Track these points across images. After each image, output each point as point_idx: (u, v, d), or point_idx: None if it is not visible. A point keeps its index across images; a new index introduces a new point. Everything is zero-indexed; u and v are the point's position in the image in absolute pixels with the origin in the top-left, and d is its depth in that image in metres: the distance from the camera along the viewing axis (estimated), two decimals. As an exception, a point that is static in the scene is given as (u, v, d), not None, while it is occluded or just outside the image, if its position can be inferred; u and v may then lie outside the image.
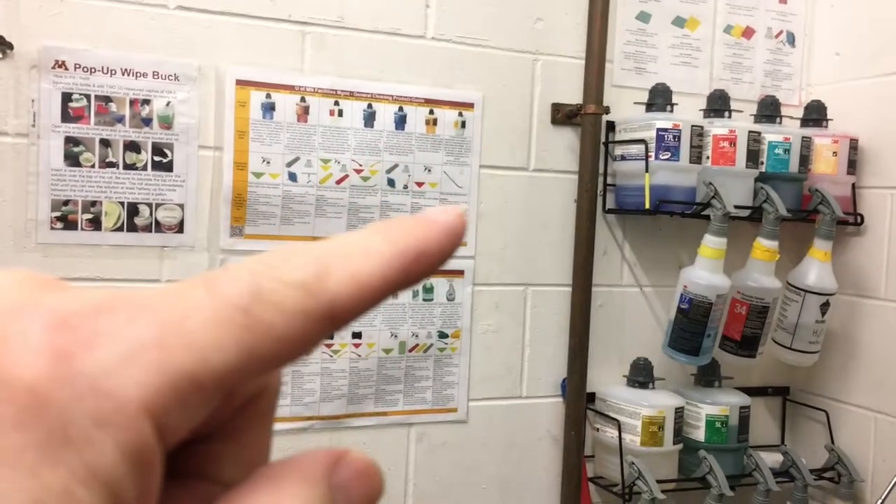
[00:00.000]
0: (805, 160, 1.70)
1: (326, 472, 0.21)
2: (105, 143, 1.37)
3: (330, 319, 0.20)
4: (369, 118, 1.52)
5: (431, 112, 1.56)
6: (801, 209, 1.72)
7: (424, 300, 1.58)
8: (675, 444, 1.63)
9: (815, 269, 1.69)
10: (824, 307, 1.69)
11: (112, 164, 1.37)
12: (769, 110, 1.71)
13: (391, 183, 1.54)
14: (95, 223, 1.37)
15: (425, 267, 0.21)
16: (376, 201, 1.53)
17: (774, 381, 1.93)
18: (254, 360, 0.20)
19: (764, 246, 1.64)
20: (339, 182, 1.50)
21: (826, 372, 1.85)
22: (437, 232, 0.22)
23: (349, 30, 1.51)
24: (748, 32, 1.83)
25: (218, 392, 0.20)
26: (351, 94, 1.51)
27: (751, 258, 1.66)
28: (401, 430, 1.60)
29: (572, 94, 1.66)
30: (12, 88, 1.31)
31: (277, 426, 1.48)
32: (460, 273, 1.61)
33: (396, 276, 0.21)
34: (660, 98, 1.63)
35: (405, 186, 1.55)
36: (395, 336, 1.57)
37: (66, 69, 1.34)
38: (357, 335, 1.54)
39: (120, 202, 1.38)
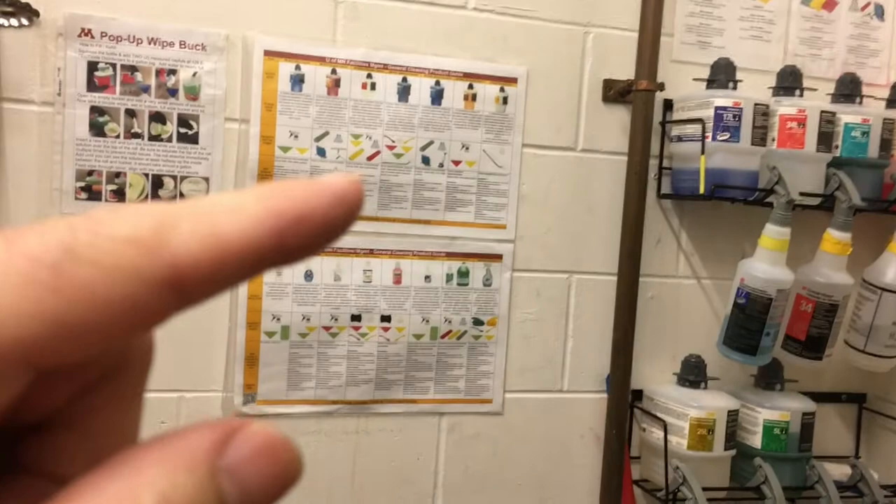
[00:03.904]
0: (887, 144, 1.54)
1: (210, 452, 0.17)
2: (130, 114, 1.35)
3: (175, 284, 0.16)
4: (404, 92, 1.45)
5: (471, 87, 1.48)
6: (882, 199, 1.56)
7: (459, 285, 1.51)
8: (726, 449, 1.51)
9: (895, 266, 1.53)
10: (903, 307, 1.53)
11: (137, 135, 1.35)
12: (847, 89, 1.55)
13: (426, 161, 1.47)
14: (119, 194, 1.35)
15: (307, 235, 0.18)
16: (409, 179, 1.47)
17: (850, 387, 1.76)
18: (67, 330, 0.16)
19: (834, 238, 1.49)
20: (370, 158, 1.44)
21: (907, 379, 1.68)
22: (325, 196, 0.18)
23: (385, -1, 1.44)
24: (829, 4, 1.67)
25: (19, 369, 0.16)
26: (385, 67, 1.44)
27: (820, 251, 1.51)
28: (431, 418, 1.53)
29: (627, 70, 1.54)
30: (38, 56, 1.31)
31: (302, 409, 1.44)
32: (498, 257, 1.53)
33: (267, 241, 0.17)
34: (721, 74, 1.50)
35: (441, 165, 1.48)
36: (427, 321, 1.50)
37: (93, 37, 1.32)
38: (386, 318, 1.48)
39: (144, 174, 1.36)
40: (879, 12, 1.70)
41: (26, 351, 0.16)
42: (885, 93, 1.64)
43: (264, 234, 0.17)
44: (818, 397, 1.66)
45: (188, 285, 0.17)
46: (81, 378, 0.19)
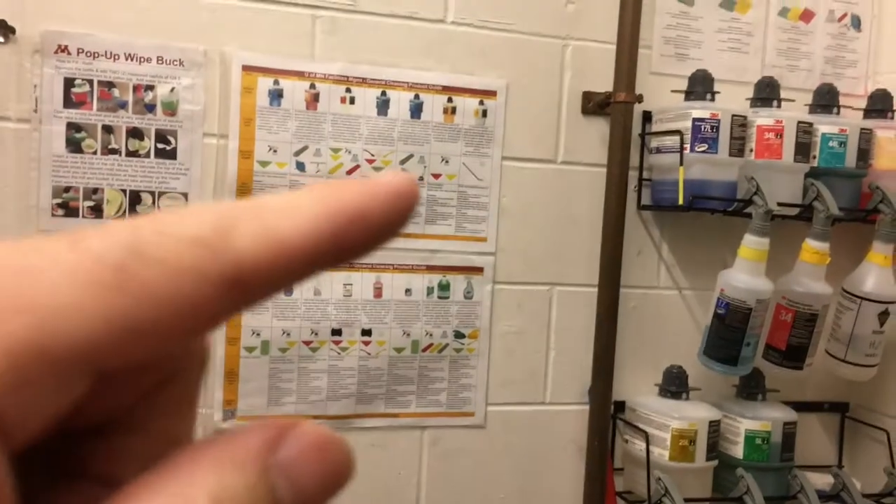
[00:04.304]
0: (864, 154, 1.55)
1: (263, 451, 0.17)
2: (107, 130, 1.34)
3: (236, 284, 0.17)
4: (383, 106, 1.45)
5: (450, 100, 1.49)
6: (860, 208, 1.57)
7: (440, 298, 1.51)
8: (708, 460, 1.51)
9: (874, 275, 1.54)
10: (883, 316, 1.53)
11: (114, 151, 1.35)
12: (825, 99, 1.56)
13: (405, 174, 1.47)
14: (97, 211, 1.35)
15: (364, 234, 0.18)
16: (389, 193, 1.46)
17: (832, 397, 1.77)
18: (130, 330, 0.16)
19: (813, 248, 1.49)
20: (349, 172, 1.44)
21: (889, 387, 1.68)
22: (381, 195, 0.18)
23: (363, 13, 1.44)
24: (807, 15, 1.68)
25: (81, 370, 0.16)
26: (363, 81, 1.44)
27: (799, 261, 1.52)
28: (413, 432, 1.53)
29: (606, 83, 1.55)
30: (14, 73, 1.30)
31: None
32: (479, 270, 1.53)
33: (325, 240, 0.17)
34: (699, 86, 1.51)
35: (421, 178, 1.48)
36: (408, 335, 1.50)
37: (69, 54, 1.32)
38: (367, 332, 1.47)
39: (122, 190, 1.35)
40: (856, 23, 1.71)
41: (91, 352, 0.16)
42: (863, 103, 1.65)
43: (322, 234, 0.17)
44: (801, 406, 1.66)
45: (249, 285, 0.17)
46: (141, 381, 0.19)
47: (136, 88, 1.35)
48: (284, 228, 0.17)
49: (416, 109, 1.47)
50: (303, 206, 0.17)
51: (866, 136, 1.54)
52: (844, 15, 1.70)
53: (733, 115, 1.47)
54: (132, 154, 1.35)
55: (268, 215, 0.17)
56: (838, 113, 1.57)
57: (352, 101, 1.44)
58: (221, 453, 0.17)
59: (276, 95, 1.40)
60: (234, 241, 0.17)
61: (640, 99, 1.50)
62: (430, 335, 1.51)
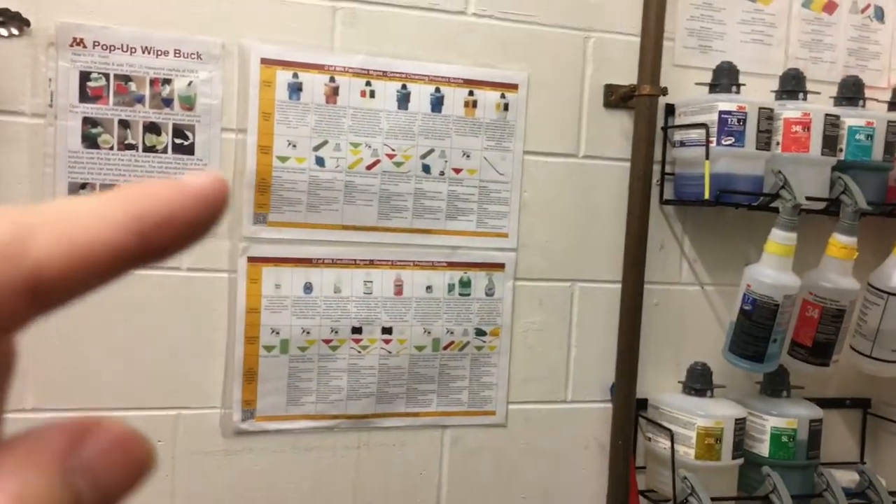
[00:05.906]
0: (891, 147, 1.52)
1: (63, 452, 0.17)
2: (124, 125, 1.31)
3: (34, 292, 0.17)
4: (403, 100, 1.42)
5: (471, 93, 1.46)
6: (886, 202, 1.54)
7: (461, 295, 1.48)
8: (734, 458, 1.48)
9: (901, 270, 1.51)
10: (910, 312, 1.51)
11: (131, 146, 1.32)
12: (851, 92, 1.54)
13: (426, 169, 1.44)
14: (114, 207, 1.31)
15: (171, 237, 0.18)
16: (410, 188, 1.44)
17: (854, 393, 1.75)
18: None
19: (840, 242, 1.47)
20: (369, 167, 1.42)
21: (913, 384, 1.66)
22: (188, 197, 0.18)
23: (383, 5, 1.41)
24: (830, 7, 1.65)
25: None
26: (384, 74, 1.41)
27: (825, 256, 1.49)
28: (434, 432, 1.50)
29: (628, 75, 1.52)
30: (29, 67, 1.27)
31: (302, 424, 1.41)
32: (500, 267, 1.50)
33: (129, 243, 0.17)
34: (724, 78, 1.48)
35: (441, 173, 1.45)
36: (429, 333, 1.47)
37: (85, 47, 1.29)
38: (387, 331, 1.45)
39: (139, 186, 1.32)
40: (879, 14, 1.68)
41: None
42: (886, 95, 1.62)
43: (126, 240, 0.17)
44: (822, 403, 1.64)
45: (49, 292, 0.17)
46: None
47: (153, 82, 1.32)
48: (88, 234, 0.17)
49: (437, 103, 1.44)
50: (108, 211, 0.17)
51: (893, 129, 1.52)
52: (867, 6, 1.67)
53: (760, 108, 1.44)
54: (149, 149, 1.32)
55: (71, 221, 0.17)
56: (864, 105, 1.54)
57: (372, 94, 1.41)
58: (22, 455, 0.17)
59: (296, 89, 1.37)
60: (33, 249, 0.16)
61: (664, 92, 1.47)
62: (451, 333, 1.48)
